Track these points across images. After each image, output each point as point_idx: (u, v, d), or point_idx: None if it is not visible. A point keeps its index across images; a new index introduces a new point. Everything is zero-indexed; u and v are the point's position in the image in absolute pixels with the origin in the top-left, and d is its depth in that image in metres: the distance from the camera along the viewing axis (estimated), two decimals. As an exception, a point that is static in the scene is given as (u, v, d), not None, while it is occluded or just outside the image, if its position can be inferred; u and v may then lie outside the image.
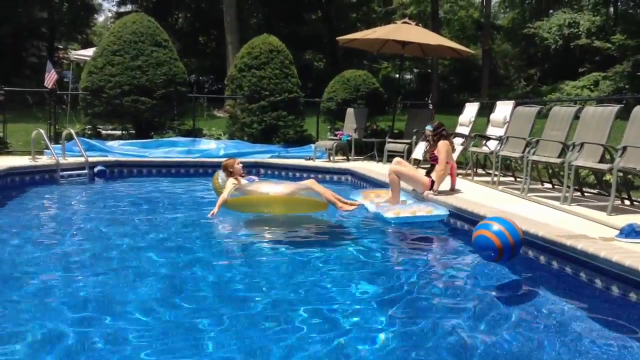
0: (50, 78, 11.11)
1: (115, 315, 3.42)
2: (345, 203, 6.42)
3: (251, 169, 9.13)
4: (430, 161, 6.87)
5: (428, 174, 6.78)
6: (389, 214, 6.13)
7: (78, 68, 19.45)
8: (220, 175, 6.74)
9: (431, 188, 6.53)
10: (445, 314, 3.60)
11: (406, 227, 6.01)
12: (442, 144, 6.54)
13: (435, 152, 6.60)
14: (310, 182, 6.47)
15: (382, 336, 3.23)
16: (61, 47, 33.78)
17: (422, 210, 6.17)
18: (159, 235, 5.57)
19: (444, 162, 6.48)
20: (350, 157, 10.99)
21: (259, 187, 6.13)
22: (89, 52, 16.01)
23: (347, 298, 3.89)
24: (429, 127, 6.89)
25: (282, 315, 3.52)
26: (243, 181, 6.46)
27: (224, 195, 6.15)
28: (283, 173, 10.18)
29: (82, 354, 2.93)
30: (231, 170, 6.59)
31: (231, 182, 6.36)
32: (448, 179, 6.78)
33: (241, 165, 6.73)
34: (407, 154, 10.15)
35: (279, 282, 4.23)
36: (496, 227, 4.17)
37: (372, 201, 6.83)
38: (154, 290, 3.94)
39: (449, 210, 5.94)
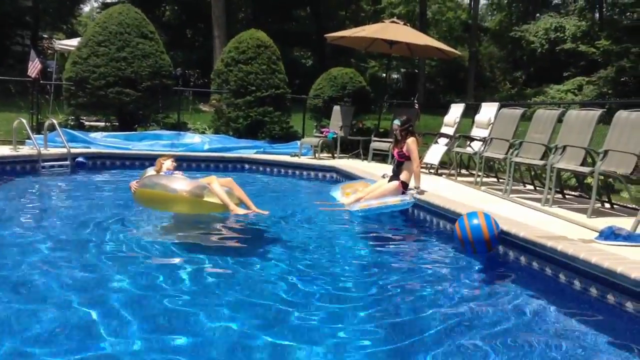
0: (34, 67, 10.96)
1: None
2: (250, 208, 5.78)
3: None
4: (397, 159, 6.66)
5: (396, 175, 6.60)
6: (356, 207, 6.18)
7: (62, 58, 19.14)
8: (149, 171, 6.02)
9: (404, 189, 6.43)
10: (423, 314, 3.61)
11: (375, 217, 6.15)
12: (412, 142, 6.46)
13: (404, 150, 6.49)
14: (209, 179, 5.67)
15: (358, 339, 3.24)
16: (46, 36, 33.33)
17: (389, 200, 6.19)
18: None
19: (417, 159, 6.45)
20: (335, 155, 10.99)
21: (168, 181, 5.43)
22: (74, 42, 15.78)
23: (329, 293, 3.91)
24: (396, 122, 6.68)
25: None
26: (162, 173, 5.81)
27: (140, 181, 5.63)
28: (268, 169, 10.14)
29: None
30: (161, 164, 5.93)
31: (150, 172, 5.82)
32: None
33: (174, 165, 5.98)
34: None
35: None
36: (464, 222, 4.68)
37: (344, 195, 6.83)
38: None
39: (415, 199, 6.13)
